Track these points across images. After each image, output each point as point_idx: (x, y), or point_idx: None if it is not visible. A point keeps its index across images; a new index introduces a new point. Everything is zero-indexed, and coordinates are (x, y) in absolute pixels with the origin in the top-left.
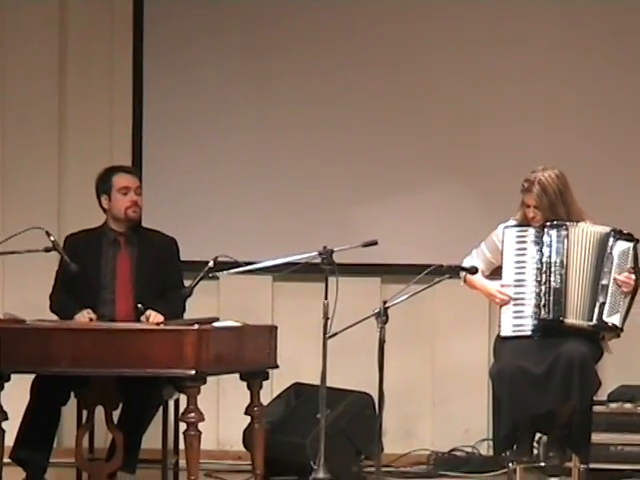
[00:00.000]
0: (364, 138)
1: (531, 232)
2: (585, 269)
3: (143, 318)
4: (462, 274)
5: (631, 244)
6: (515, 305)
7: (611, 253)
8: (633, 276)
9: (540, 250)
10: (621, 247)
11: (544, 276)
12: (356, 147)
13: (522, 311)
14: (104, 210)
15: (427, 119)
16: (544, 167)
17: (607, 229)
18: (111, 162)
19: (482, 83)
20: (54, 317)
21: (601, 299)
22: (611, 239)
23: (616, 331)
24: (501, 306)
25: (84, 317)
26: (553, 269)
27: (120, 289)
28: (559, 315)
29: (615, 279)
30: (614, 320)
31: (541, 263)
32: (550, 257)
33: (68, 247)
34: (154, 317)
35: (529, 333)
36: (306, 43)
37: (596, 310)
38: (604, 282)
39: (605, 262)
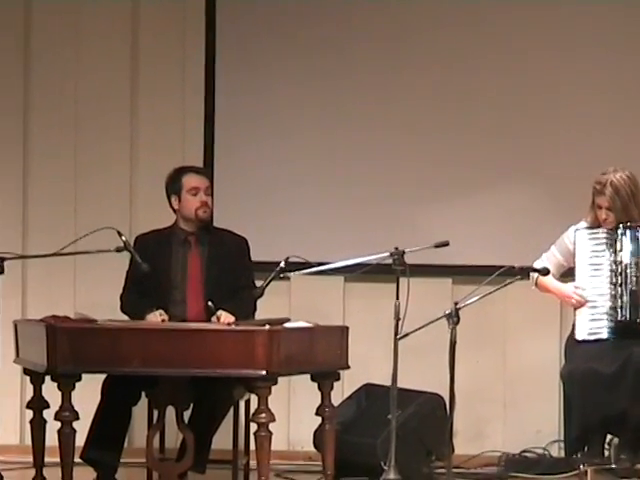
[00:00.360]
0: (437, 139)
1: (604, 234)
2: None
3: (214, 318)
4: (533, 277)
5: None
6: (590, 308)
7: None
8: None
9: (614, 252)
10: None
11: (619, 278)
12: (429, 148)
13: (598, 314)
14: (174, 210)
15: (499, 119)
16: (615, 169)
17: None
18: (183, 160)
19: (550, 83)
20: (125, 317)
21: None
22: None
23: None
24: (576, 308)
25: (156, 317)
26: (628, 271)
27: (190, 289)
28: (636, 317)
29: None
30: None
31: (615, 265)
32: (625, 259)
33: (139, 247)
34: (225, 317)
35: (605, 336)
36: (378, 38)
37: None
38: None
39: None
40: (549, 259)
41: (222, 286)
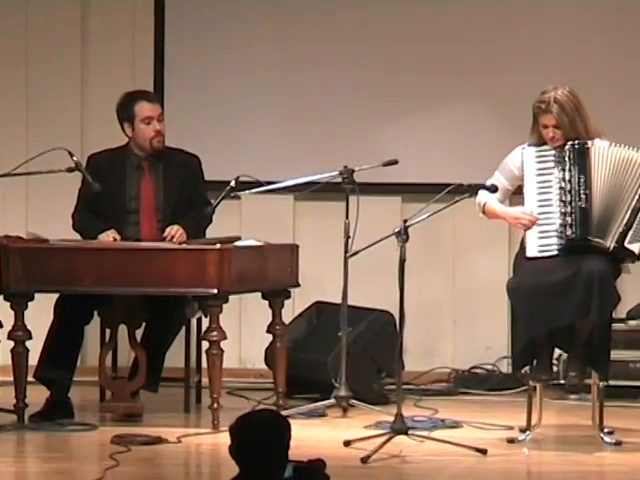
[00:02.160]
0: (385, 58)
1: (552, 152)
2: (609, 189)
3: (167, 233)
4: (480, 205)
5: None
6: (540, 225)
7: None
8: None
9: (563, 169)
10: None
11: (569, 195)
12: (377, 67)
13: (548, 231)
14: (127, 136)
15: (448, 40)
16: (554, 86)
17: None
18: (133, 79)
19: (505, 5)
20: (77, 237)
21: (625, 223)
22: None
23: (633, 257)
24: (527, 229)
25: (108, 237)
26: (578, 188)
27: (144, 212)
28: (586, 234)
29: None
30: (634, 248)
31: (564, 182)
32: (574, 176)
33: (91, 167)
34: (178, 235)
35: (555, 253)
36: None
37: (617, 233)
38: (631, 206)
39: (632, 186)
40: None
41: (176, 208)
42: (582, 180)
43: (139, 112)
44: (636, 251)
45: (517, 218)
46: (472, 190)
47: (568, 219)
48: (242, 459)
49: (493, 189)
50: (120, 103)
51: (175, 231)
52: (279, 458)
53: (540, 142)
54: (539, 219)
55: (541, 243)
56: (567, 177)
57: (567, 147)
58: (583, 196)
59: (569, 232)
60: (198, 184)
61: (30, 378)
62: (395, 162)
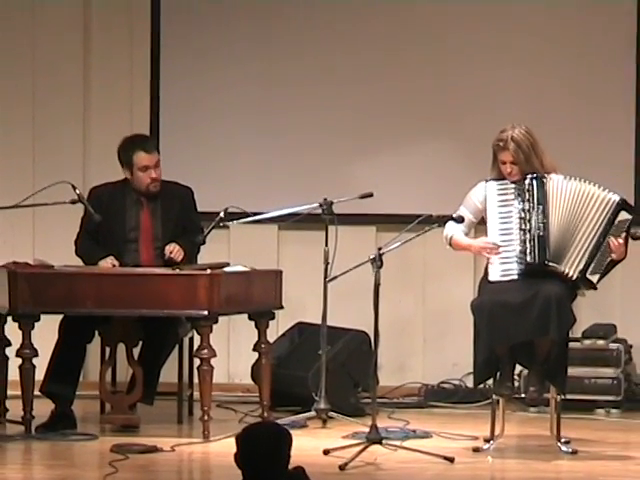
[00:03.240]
0: (363, 97)
1: (511, 185)
2: (565, 218)
3: (167, 251)
4: (447, 238)
5: (631, 217)
6: (501, 252)
7: (613, 218)
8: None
9: (522, 200)
10: (624, 216)
11: (528, 224)
12: (355, 107)
13: (509, 257)
14: (126, 177)
15: (424, 79)
16: (512, 125)
17: (609, 195)
18: (131, 119)
19: (471, 48)
20: (80, 262)
21: (587, 255)
22: (612, 204)
23: (592, 287)
24: (490, 256)
25: (107, 263)
26: (535, 217)
27: (143, 241)
28: (543, 260)
29: (610, 242)
30: (593, 278)
31: (524, 212)
32: (532, 206)
33: (93, 199)
34: (176, 252)
35: (515, 277)
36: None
37: (576, 261)
38: (593, 238)
39: (591, 218)
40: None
41: (173, 236)
42: (540, 210)
43: (137, 161)
44: (594, 281)
45: (482, 248)
46: (440, 220)
47: (527, 246)
48: (246, 466)
49: (459, 220)
50: (120, 147)
51: (173, 248)
52: (281, 466)
53: (500, 176)
54: (501, 247)
55: (503, 268)
56: (526, 207)
57: (527, 180)
58: (541, 225)
59: (528, 258)
60: (192, 214)
61: (36, 392)
62: (370, 195)
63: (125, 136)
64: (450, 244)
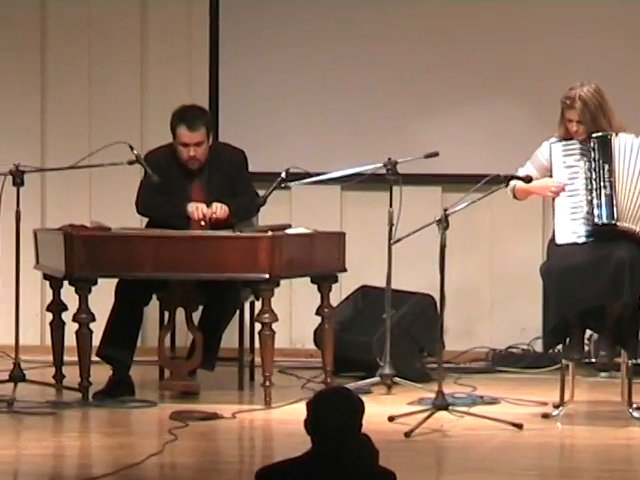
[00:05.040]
0: (429, 55)
1: (577, 145)
2: (632, 176)
3: (209, 211)
4: (510, 188)
5: None
6: (569, 213)
7: None
8: None
9: (588, 160)
10: None
11: (594, 184)
12: (420, 66)
13: (576, 219)
14: None
15: (490, 35)
16: (582, 82)
17: None
18: (189, 76)
19: (532, 3)
20: (138, 224)
21: None
22: None
23: None
24: (556, 196)
25: (202, 207)
26: (602, 177)
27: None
28: (611, 219)
29: None
30: None
31: (590, 172)
32: (598, 165)
33: (151, 164)
34: (220, 210)
35: (584, 239)
36: None
37: None
38: None
39: None
40: (524, 173)
41: (223, 201)
42: (606, 168)
43: (178, 135)
44: None
45: (546, 187)
46: (508, 180)
47: (594, 205)
48: (317, 433)
49: (527, 180)
50: (172, 115)
51: (215, 207)
52: (352, 435)
53: (566, 134)
54: (566, 185)
55: (570, 230)
56: (592, 166)
57: (592, 139)
58: (608, 183)
59: (596, 218)
60: (241, 176)
61: (94, 358)
62: (436, 154)
63: (182, 105)
64: (514, 194)
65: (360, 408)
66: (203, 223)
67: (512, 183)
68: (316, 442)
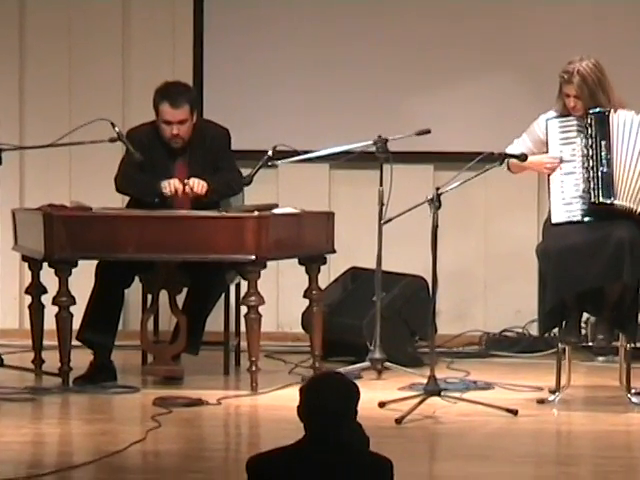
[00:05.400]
0: (422, 26)
1: (574, 121)
2: (631, 154)
3: (188, 189)
4: (505, 161)
5: None
6: (565, 191)
7: None
8: None
9: (585, 137)
10: None
11: (591, 161)
12: (410, 39)
13: (572, 197)
14: None
15: (483, 9)
16: (581, 57)
17: None
18: (173, 51)
19: None
20: (119, 204)
21: None
22: None
23: None
24: (552, 171)
25: (172, 183)
26: (599, 154)
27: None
28: (609, 197)
29: None
30: None
31: (586, 149)
32: (595, 142)
33: (130, 141)
34: (197, 183)
35: (579, 218)
36: None
37: None
38: None
39: None
40: (520, 145)
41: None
42: (603, 145)
43: (161, 113)
44: None
45: (541, 163)
46: (502, 158)
47: (591, 184)
48: (311, 420)
49: (523, 158)
50: (155, 92)
51: (192, 181)
52: (347, 421)
53: (564, 110)
54: (562, 161)
55: (566, 209)
56: (589, 143)
57: (589, 115)
58: (605, 161)
59: (592, 196)
60: (224, 155)
61: (74, 342)
62: (428, 131)
63: (165, 81)
64: (508, 167)
65: (355, 393)
66: (181, 196)
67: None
68: (309, 429)
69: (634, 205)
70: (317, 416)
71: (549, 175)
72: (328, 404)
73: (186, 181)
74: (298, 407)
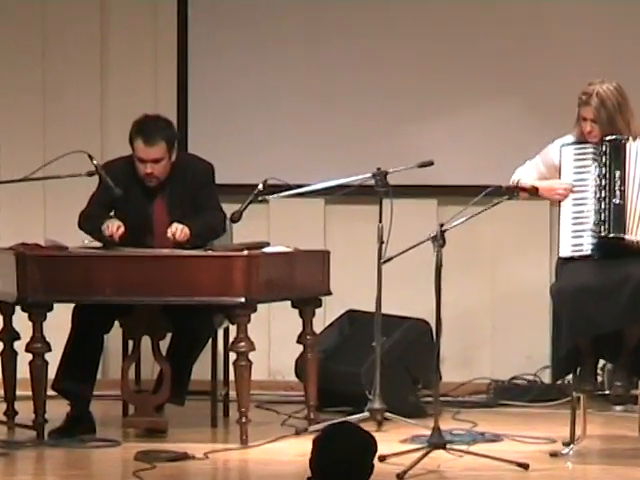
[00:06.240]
0: (421, 54)
1: (590, 149)
2: None
3: (170, 234)
4: (512, 182)
5: None
6: (574, 224)
7: None
8: None
9: (599, 166)
10: None
11: (603, 192)
12: (409, 66)
13: (581, 230)
14: None
15: (483, 36)
16: (602, 79)
17: None
18: (155, 81)
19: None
20: (98, 244)
21: None
22: None
23: None
24: (563, 199)
25: (113, 225)
26: (613, 185)
27: (157, 235)
28: (619, 232)
29: None
30: None
31: (600, 179)
32: (610, 172)
33: (109, 175)
34: (179, 232)
35: (588, 252)
36: None
37: None
38: None
39: None
40: (532, 168)
41: (182, 218)
42: (617, 175)
43: (135, 149)
44: None
45: (552, 189)
46: (511, 193)
47: (602, 216)
48: (323, 474)
49: (533, 191)
50: (131, 126)
51: (175, 228)
52: (363, 477)
53: (581, 135)
54: (574, 188)
55: (574, 242)
56: (603, 173)
57: (605, 142)
58: (618, 192)
59: (603, 230)
60: (206, 190)
61: (50, 392)
62: (431, 163)
63: (144, 114)
64: (518, 194)
65: (373, 446)
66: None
67: (514, 177)
68: None
69: None
70: (330, 469)
71: (560, 203)
72: (343, 457)
73: (171, 229)
74: (310, 459)
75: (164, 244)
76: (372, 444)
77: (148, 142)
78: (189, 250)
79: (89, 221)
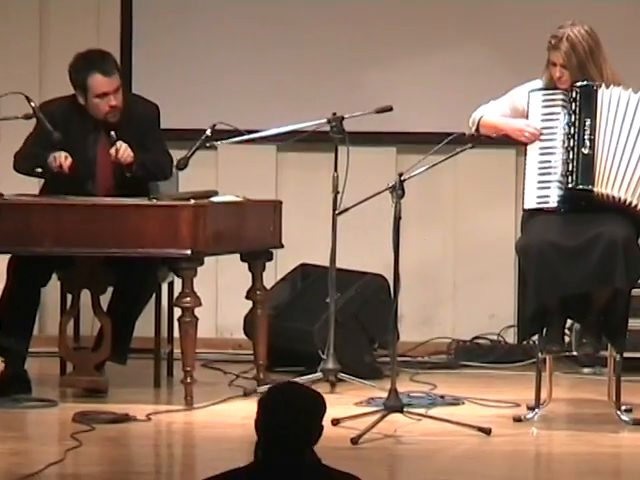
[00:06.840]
0: None
1: (559, 95)
2: (617, 136)
3: (113, 151)
4: (474, 120)
5: None
6: (541, 175)
7: None
8: None
9: (568, 113)
10: None
11: (572, 141)
12: (370, 4)
13: (548, 181)
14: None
15: None
16: (573, 22)
17: None
18: (97, 23)
19: None
20: (35, 192)
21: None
22: None
23: None
24: (530, 143)
25: (60, 157)
26: (582, 134)
27: (100, 180)
28: (588, 184)
29: None
30: None
31: (569, 127)
32: (579, 121)
33: (45, 116)
34: (123, 149)
35: (555, 205)
36: None
37: (632, 184)
38: None
39: None
40: (496, 107)
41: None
42: (587, 124)
43: (93, 86)
44: None
45: (520, 130)
46: (475, 141)
47: (570, 166)
48: (269, 435)
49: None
50: (72, 67)
51: (120, 145)
52: (310, 441)
53: (551, 81)
54: (542, 133)
55: (540, 194)
56: (572, 120)
57: (575, 89)
58: (588, 142)
59: (570, 181)
60: (152, 134)
61: None
62: (389, 109)
63: (78, 52)
64: (477, 128)
65: (320, 407)
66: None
67: (477, 114)
68: (267, 447)
69: (623, 194)
70: (276, 430)
71: (525, 150)
72: (290, 418)
73: (115, 146)
74: (256, 420)
75: (107, 191)
76: (320, 404)
77: (107, 73)
78: (133, 196)
79: (28, 160)
